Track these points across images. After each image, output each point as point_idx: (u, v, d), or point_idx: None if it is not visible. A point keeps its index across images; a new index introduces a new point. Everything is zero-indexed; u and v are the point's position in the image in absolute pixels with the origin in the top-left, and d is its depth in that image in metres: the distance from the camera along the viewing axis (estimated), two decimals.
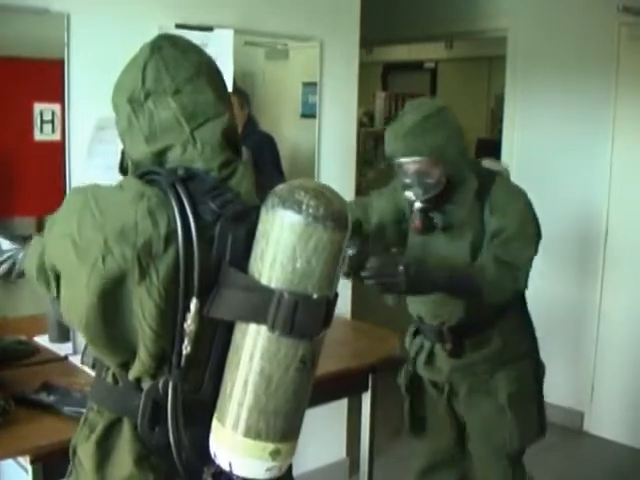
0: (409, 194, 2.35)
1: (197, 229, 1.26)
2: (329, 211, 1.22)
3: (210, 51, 2.90)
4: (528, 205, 2.38)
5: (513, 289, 2.35)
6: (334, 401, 3.07)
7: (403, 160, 2.31)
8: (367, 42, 4.04)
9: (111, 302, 1.29)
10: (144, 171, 1.35)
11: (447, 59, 6.55)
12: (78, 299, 1.30)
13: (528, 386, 2.49)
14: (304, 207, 1.21)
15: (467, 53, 6.28)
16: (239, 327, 1.29)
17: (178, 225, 1.26)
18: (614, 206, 4.12)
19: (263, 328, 1.25)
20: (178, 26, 2.86)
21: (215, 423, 1.32)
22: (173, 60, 1.37)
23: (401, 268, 2.11)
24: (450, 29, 5.12)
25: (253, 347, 1.26)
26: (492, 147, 4.72)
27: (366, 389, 2.85)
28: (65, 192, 2.70)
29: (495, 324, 2.45)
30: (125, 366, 1.37)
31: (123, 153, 1.46)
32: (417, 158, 2.29)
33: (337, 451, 3.79)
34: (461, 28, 5.03)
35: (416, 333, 2.62)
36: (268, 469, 1.29)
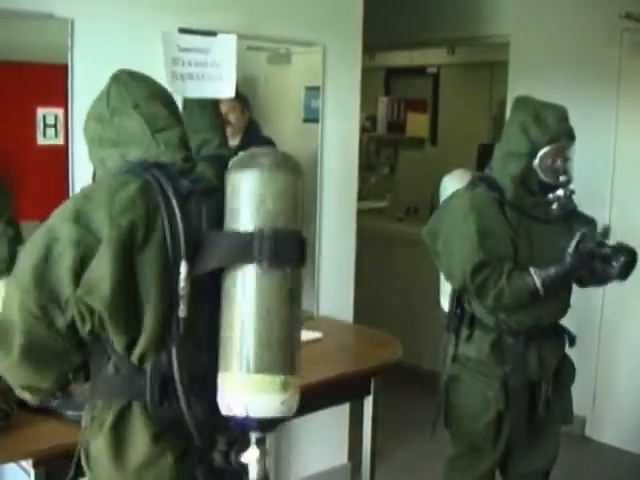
0: (564, 178, 2.49)
1: (177, 200, 1.46)
2: (283, 160, 1.48)
3: (213, 56, 2.91)
4: None
5: None
6: (336, 405, 3.07)
7: (566, 142, 2.47)
8: (370, 47, 4.05)
9: (127, 271, 1.41)
10: (116, 171, 1.55)
11: (449, 64, 6.56)
12: (101, 278, 1.39)
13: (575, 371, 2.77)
14: (263, 161, 1.46)
15: (469, 58, 6.29)
16: (228, 278, 1.44)
17: (160, 199, 1.46)
18: (616, 210, 4.13)
19: (250, 268, 1.41)
20: (181, 30, 2.86)
21: (222, 375, 1.42)
22: (131, 85, 1.64)
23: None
24: (452, 35, 5.13)
25: (244, 289, 1.41)
26: (493, 152, 4.72)
27: (368, 393, 2.85)
28: (68, 196, 2.70)
29: None
30: (130, 347, 1.46)
31: (94, 174, 1.68)
32: (572, 141, 2.49)
33: (339, 456, 3.78)
34: (463, 34, 5.04)
35: (528, 340, 2.55)
36: (282, 402, 1.40)
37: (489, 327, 2.57)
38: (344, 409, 3.65)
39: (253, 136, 3.36)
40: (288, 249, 1.43)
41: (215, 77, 2.76)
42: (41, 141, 2.70)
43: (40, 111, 2.68)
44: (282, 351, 1.41)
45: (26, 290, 1.41)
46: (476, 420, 2.60)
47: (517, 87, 4.51)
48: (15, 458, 1.97)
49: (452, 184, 2.70)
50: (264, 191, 1.43)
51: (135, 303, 1.43)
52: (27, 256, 1.44)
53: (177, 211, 1.45)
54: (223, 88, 2.79)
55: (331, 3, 3.56)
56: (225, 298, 1.44)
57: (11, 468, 2.15)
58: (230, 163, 1.51)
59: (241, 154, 1.51)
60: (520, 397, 2.57)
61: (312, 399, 2.70)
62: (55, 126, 2.72)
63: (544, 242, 2.51)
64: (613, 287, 2.67)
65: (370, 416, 2.88)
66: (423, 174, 6.54)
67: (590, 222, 2.67)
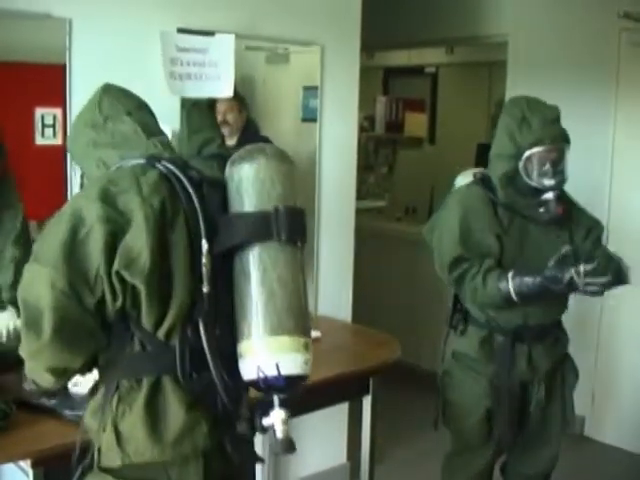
0: (550, 182, 2.45)
1: (192, 187, 1.56)
2: (281, 152, 1.63)
3: (211, 55, 2.90)
4: None
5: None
6: (335, 405, 3.07)
7: (551, 146, 2.43)
8: (368, 47, 4.04)
9: (161, 245, 1.50)
10: (121, 166, 1.61)
11: (448, 64, 6.56)
12: (140, 250, 1.47)
13: (577, 375, 2.74)
14: (265, 151, 1.60)
15: (468, 58, 6.29)
16: (246, 255, 1.54)
17: (177, 185, 1.55)
18: (615, 211, 4.13)
19: (269, 244, 1.53)
20: (180, 30, 2.86)
21: (246, 342, 1.52)
22: (121, 95, 1.74)
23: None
24: (451, 34, 5.13)
25: (264, 263, 1.53)
26: None
27: (367, 393, 2.84)
28: (66, 196, 2.70)
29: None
30: (158, 324, 1.53)
31: (82, 176, 1.81)
32: (561, 145, 2.45)
33: (338, 455, 3.79)
34: (462, 33, 5.04)
35: (515, 340, 2.56)
36: (306, 362, 1.54)
37: (481, 324, 2.59)
38: (343, 409, 3.65)
39: (251, 136, 3.35)
40: (299, 225, 1.57)
41: (213, 77, 2.76)
42: (39, 141, 2.70)
43: (38, 111, 2.68)
44: (301, 315, 1.55)
45: (55, 267, 1.44)
46: (468, 416, 2.62)
47: (515, 87, 4.51)
48: (14, 458, 1.97)
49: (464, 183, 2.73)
50: (272, 175, 1.56)
51: (167, 279, 1.52)
52: (52, 237, 1.48)
53: (194, 195, 1.55)
54: (221, 88, 2.78)
55: (329, 3, 3.56)
56: (243, 273, 1.54)
57: (9, 468, 2.14)
58: (230, 159, 1.61)
59: (239, 151, 1.62)
60: (507, 396, 2.56)
61: (311, 399, 2.70)
62: (53, 126, 2.72)
63: (540, 243, 2.51)
64: None
65: (369, 416, 2.88)
66: (422, 174, 6.55)
67: (594, 225, 2.64)
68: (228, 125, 3.25)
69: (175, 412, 1.53)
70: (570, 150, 2.51)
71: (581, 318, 4.29)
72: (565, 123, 2.54)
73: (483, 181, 2.58)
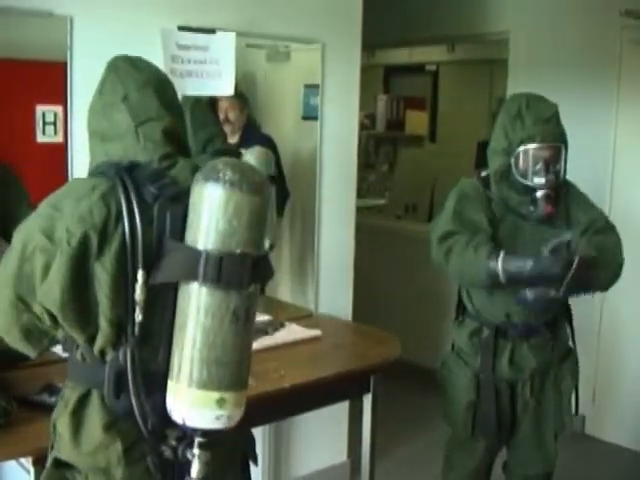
0: (540, 180, 2.43)
1: (139, 209, 1.48)
2: (244, 178, 1.45)
3: (212, 53, 2.89)
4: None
5: (619, 272, 2.54)
6: (336, 403, 3.08)
7: (542, 144, 2.41)
8: (369, 45, 4.04)
9: (78, 279, 1.47)
10: (93, 169, 1.61)
11: (449, 62, 6.55)
12: (53, 285, 1.46)
13: (576, 377, 2.73)
14: (221, 176, 1.44)
15: (469, 56, 6.28)
16: (181, 292, 1.48)
17: (124, 206, 1.48)
18: (616, 210, 4.13)
19: (196, 286, 1.45)
20: (180, 28, 2.86)
21: (169, 381, 1.49)
22: (125, 73, 1.65)
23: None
24: (452, 32, 5.13)
25: (190, 305, 1.46)
26: None
27: (367, 391, 2.85)
28: None
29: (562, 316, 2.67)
30: (91, 342, 1.54)
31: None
32: (555, 144, 2.43)
33: (338, 453, 3.78)
34: (463, 31, 5.04)
35: (497, 334, 2.56)
36: (217, 417, 1.46)
37: (472, 316, 2.60)
38: (343, 407, 3.65)
39: (252, 134, 3.36)
40: (232, 272, 1.44)
41: (214, 74, 2.76)
42: (40, 139, 2.70)
43: (39, 109, 2.68)
44: (221, 370, 1.46)
45: (7, 282, 1.52)
46: (457, 408, 2.62)
47: (516, 84, 4.51)
48: (15, 456, 1.98)
49: None
50: (218, 211, 1.44)
51: (89, 305, 1.50)
52: (17, 239, 1.54)
53: (137, 219, 1.48)
54: (222, 85, 2.79)
55: (330, 0, 3.55)
56: (179, 309, 1.49)
57: (11, 466, 2.15)
58: (200, 170, 1.51)
59: (210, 163, 1.51)
60: (488, 392, 2.56)
61: (312, 397, 2.71)
62: (54, 124, 2.71)
63: (533, 241, 2.48)
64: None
65: (369, 414, 2.88)
66: (422, 172, 6.55)
67: (593, 220, 2.60)
68: (230, 123, 3.25)
69: (92, 428, 1.55)
70: (570, 149, 2.50)
71: (582, 316, 4.27)
72: (566, 120, 2.53)
73: (484, 179, 2.60)
